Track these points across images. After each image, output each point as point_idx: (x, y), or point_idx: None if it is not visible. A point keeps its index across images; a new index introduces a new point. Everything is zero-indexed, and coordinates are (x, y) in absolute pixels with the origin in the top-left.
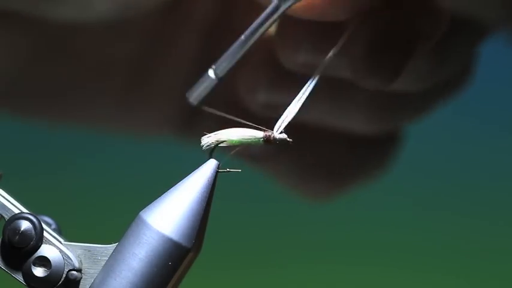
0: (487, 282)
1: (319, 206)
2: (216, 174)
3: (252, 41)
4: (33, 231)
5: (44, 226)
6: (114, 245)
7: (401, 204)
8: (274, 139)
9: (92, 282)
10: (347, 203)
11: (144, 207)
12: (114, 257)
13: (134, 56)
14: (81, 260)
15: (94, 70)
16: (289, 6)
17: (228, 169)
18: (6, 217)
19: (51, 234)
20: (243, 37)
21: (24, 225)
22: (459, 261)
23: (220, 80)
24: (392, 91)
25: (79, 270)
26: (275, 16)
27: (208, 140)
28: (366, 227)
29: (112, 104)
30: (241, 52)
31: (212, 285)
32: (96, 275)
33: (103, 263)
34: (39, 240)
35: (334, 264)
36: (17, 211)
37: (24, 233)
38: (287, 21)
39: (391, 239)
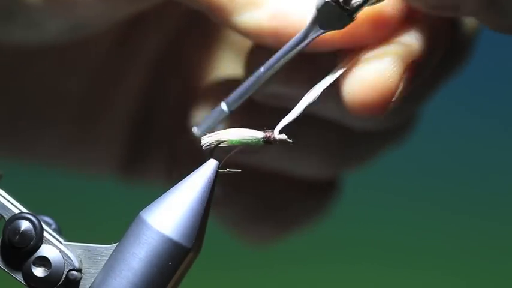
0: (487, 281)
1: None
2: (216, 174)
3: (271, 73)
4: (33, 231)
5: (44, 226)
6: (114, 245)
7: (401, 204)
8: (274, 140)
9: (92, 282)
10: (347, 202)
11: (144, 207)
12: (114, 257)
13: (83, 89)
14: (81, 260)
15: (43, 102)
16: (319, 35)
17: (228, 169)
18: (6, 217)
19: (51, 234)
20: (262, 69)
21: (24, 225)
22: (459, 260)
23: (231, 113)
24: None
25: (79, 270)
26: (301, 46)
27: (208, 139)
28: (366, 227)
29: (59, 139)
30: (258, 85)
31: (212, 285)
32: (96, 275)
33: (103, 263)
34: (39, 240)
35: (334, 264)
36: (17, 211)
37: (24, 233)
38: (257, 52)
39: (391, 239)
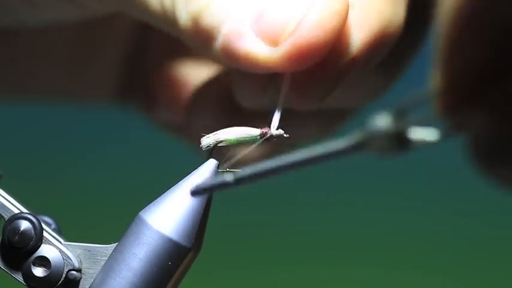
0: (485, 283)
1: (318, 206)
2: (216, 174)
3: (289, 171)
4: (32, 231)
5: (44, 226)
6: (114, 245)
7: (400, 205)
8: (271, 136)
9: (92, 282)
10: (346, 203)
11: (144, 207)
12: (113, 257)
13: (78, 25)
14: (81, 260)
15: (39, 38)
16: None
17: (227, 169)
18: (6, 217)
19: (50, 234)
20: (282, 161)
21: (24, 225)
22: (457, 261)
23: (236, 185)
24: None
25: (79, 270)
26: (337, 158)
27: (207, 140)
28: (365, 228)
29: (57, 73)
30: (273, 173)
31: (212, 285)
32: (95, 275)
33: (103, 263)
34: (39, 240)
35: (333, 265)
36: (16, 211)
37: (24, 233)
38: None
39: (391, 240)
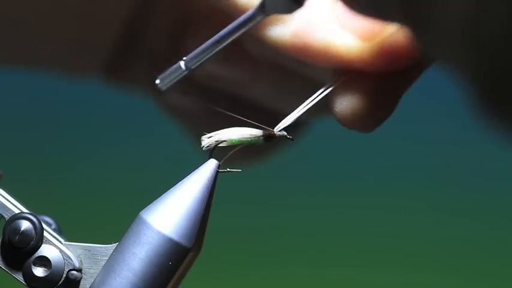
0: (480, 283)
1: (318, 207)
2: (216, 174)
3: (225, 43)
4: (33, 231)
5: (44, 226)
6: (114, 245)
7: (398, 207)
8: (274, 137)
9: (92, 282)
10: (345, 205)
11: (144, 207)
12: (114, 256)
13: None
14: (81, 260)
15: (35, 8)
16: (266, 17)
17: (228, 169)
18: (7, 217)
19: (51, 234)
20: (216, 37)
21: (25, 225)
22: (454, 262)
23: (190, 72)
24: None
25: (79, 270)
26: (253, 23)
27: (208, 140)
28: (364, 229)
29: (50, 45)
30: (213, 51)
31: (212, 285)
32: (96, 274)
33: (103, 262)
34: (40, 240)
35: (332, 266)
36: (17, 211)
37: (25, 233)
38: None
39: (390, 241)
